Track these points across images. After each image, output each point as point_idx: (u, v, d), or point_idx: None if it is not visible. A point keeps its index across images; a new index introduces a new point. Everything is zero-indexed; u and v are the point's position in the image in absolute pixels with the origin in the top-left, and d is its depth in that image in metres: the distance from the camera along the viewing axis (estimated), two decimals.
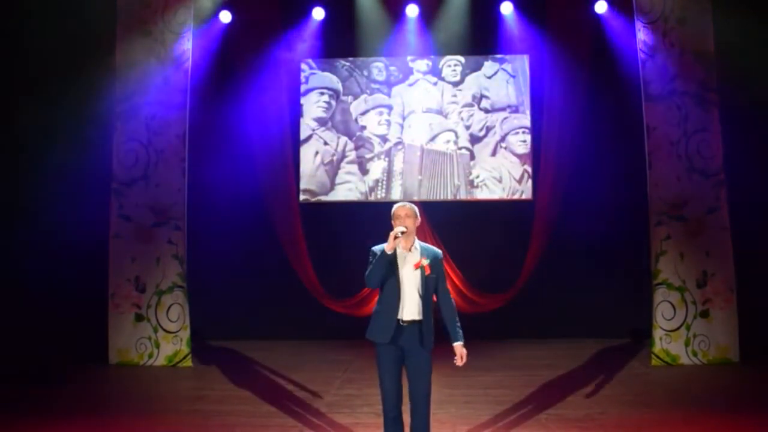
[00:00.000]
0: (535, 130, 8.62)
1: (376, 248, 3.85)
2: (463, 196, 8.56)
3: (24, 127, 7.88)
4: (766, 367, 6.67)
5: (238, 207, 8.38)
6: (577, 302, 8.34)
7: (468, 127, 8.63)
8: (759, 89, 7.10)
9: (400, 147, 8.69)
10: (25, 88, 7.86)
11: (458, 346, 3.85)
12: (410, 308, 3.79)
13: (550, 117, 8.49)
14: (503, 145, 8.56)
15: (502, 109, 8.63)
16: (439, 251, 3.95)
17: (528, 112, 8.60)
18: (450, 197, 8.57)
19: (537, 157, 8.57)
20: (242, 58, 8.55)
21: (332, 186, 8.72)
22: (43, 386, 6.29)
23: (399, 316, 3.77)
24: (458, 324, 3.88)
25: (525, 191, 8.51)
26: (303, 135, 8.79)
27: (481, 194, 8.51)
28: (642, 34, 7.34)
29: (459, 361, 3.85)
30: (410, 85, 8.78)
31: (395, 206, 3.93)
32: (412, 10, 8.56)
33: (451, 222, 8.56)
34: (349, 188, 8.70)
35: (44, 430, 4.97)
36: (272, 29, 8.61)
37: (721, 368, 6.80)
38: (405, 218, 3.83)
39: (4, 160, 7.78)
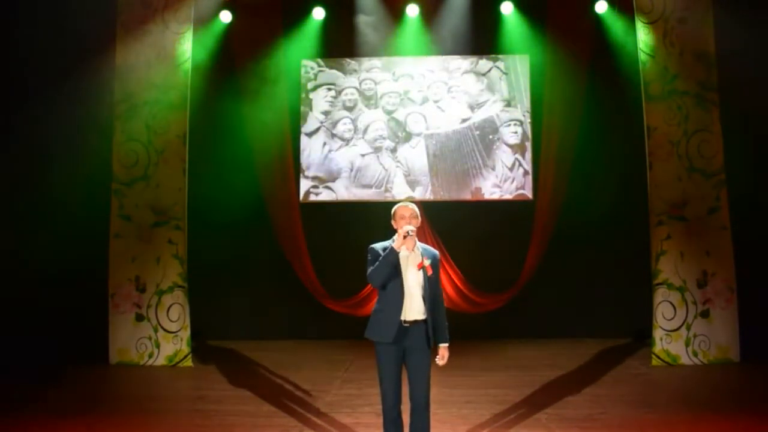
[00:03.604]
0: (536, 129, 8.64)
1: (377, 246, 3.84)
2: (460, 183, 8.65)
3: (23, 128, 7.88)
4: (766, 367, 6.66)
5: (238, 207, 8.36)
6: (577, 302, 8.35)
7: (465, 120, 8.73)
8: (759, 89, 7.10)
9: (402, 138, 8.80)
10: (24, 88, 7.86)
11: (443, 347, 3.89)
12: (414, 308, 3.78)
13: (551, 117, 8.51)
14: (497, 136, 8.67)
15: (495, 102, 8.77)
16: (437, 252, 3.96)
17: (519, 106, 8.73)
18: (448, 183, 8.67)
19: (537, 157, 8.58)
20: (242, 58, 8.55)
21: (339, 174, 8.86)
22: (43, 386, 6.29)
23: (402, 317, 3.77)
24: (446, 325, 3.90)
25: (516, 179, 8.67)
26: (312, 127, 8.95)
27: (476, 182, 8.64)
28: (642, 34, 7.35)
29: (440, 361, 3.87)
30: (411, 81, 8.86)
31: (398, 206, 3.91)
32: (412, 10, 8.58)
33: (451, 222, 8.56)
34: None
35: (44, 430, 4.97)
36: (272, 29, 8.63)
37: (721, 368, 6.80)
38: (410, 218, 3.81)
39: (3, 161, 7.77)
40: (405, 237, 3.70)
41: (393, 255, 3.72)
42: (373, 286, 4.07)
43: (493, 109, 8.76)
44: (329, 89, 8.95)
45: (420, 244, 3.91)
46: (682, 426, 4.89)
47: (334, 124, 8.90)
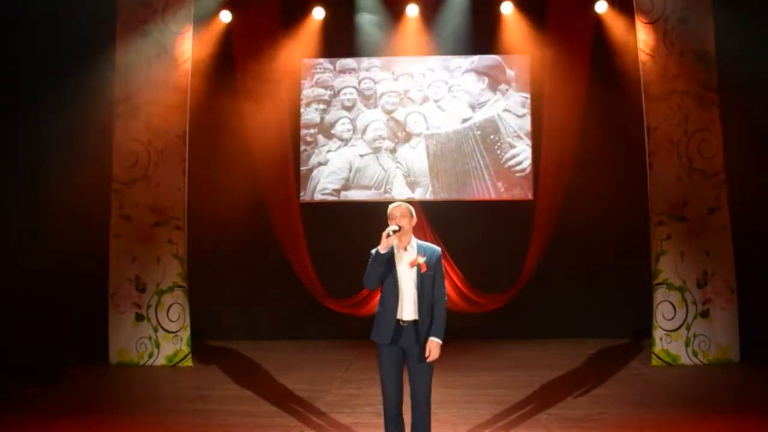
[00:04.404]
0: (536, 129, 8.64)
1: (375, 250, 3.86)
2: (460, 183, 8.67)
3: (23, 128, 7.88)
4: (766, 367, 6.66)
5: (238, 206, 8.37)
6: (577, 302, 8.35)
7: (465, 120, 8.75)
8: (759, 89, 7.11)
9: (402, 138, 8.81)
10: (24, 87, 7.86)
11: (433, 341, 3.79)
12: (408, 308, 3.80)
13: (550, 117, 8.50)
14: (497, 136, 8.71)
15: (496, 101, 8.77)
16: (438, 249, 3.96)
17: (520, 106, 8.72)
18: (448, 184, 8.68)
19: (537, 157, 8.58)
20: (242, 58, 8.55)
21: (338, 174, 8.90)
22: (43, 386, 6.29)
23: (399, 316, 3.78)
24: (443, 323, 3.84)
25: (516, 179, 8.71)
26: (311, 127, 8.92)
27: (476, 183, 8.67)
28: (642, 34, 7.35)
29: (427, 354, 3.77)
30: (411, 81, 8.86)
31: (391, 206, 3.95)
32: (412, 10, 8.58)
33: (451, 222, 8.56)
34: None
35: (44, 430, 4.97)
36: (272, 29, 8.63)
37: (721, 368, 6.80)
38: (400, 218, 3.85)
39: (3, 161, 7.77)
40: (387, 236, 3.74)
41: (380, 258, 3.76)
42: (368, 290, 4.09)
43: (494, 108, 8.75)
44: (328, 89, 8.95)
45: (420, 242, 3.94)
46: (682, 426, 4.89)
47: (333, 124, 8.89)
